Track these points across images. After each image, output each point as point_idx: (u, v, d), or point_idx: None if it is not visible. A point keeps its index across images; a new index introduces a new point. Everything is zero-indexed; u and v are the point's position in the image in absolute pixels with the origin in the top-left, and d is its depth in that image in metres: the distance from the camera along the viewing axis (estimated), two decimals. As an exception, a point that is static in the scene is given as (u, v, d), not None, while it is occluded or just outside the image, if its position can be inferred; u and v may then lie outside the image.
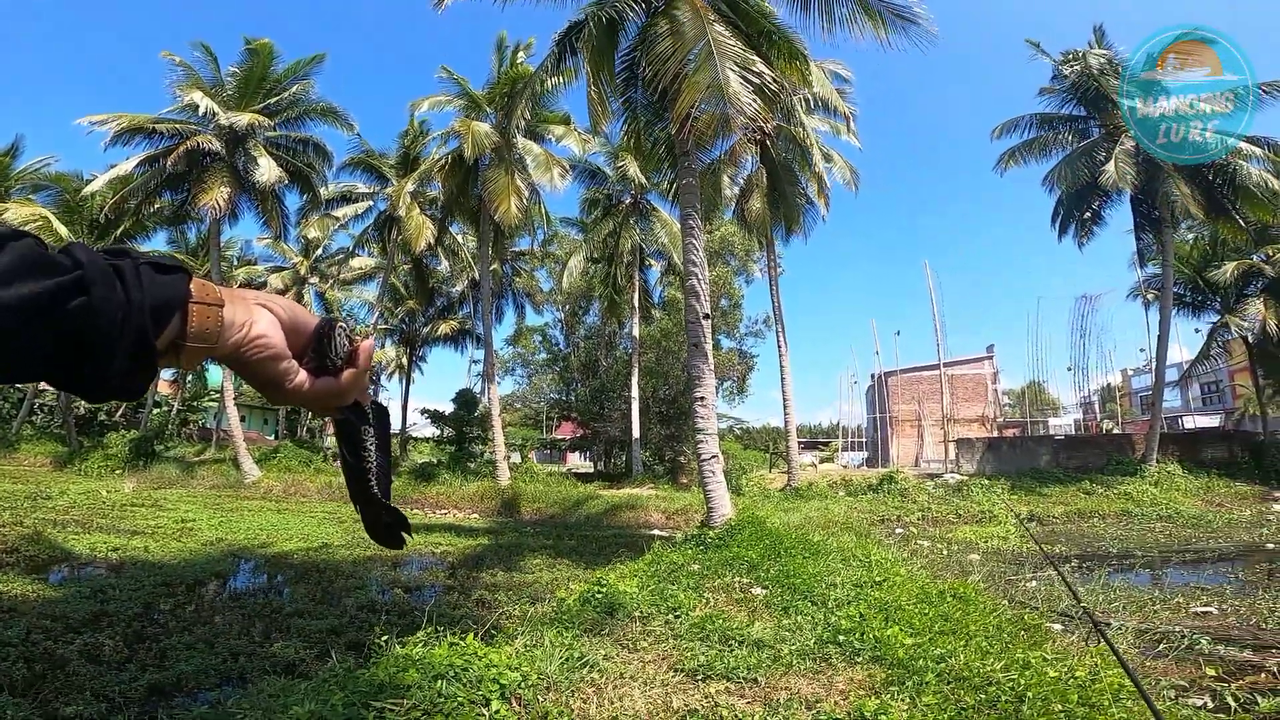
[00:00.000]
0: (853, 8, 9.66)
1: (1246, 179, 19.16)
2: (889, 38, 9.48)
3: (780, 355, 22.28)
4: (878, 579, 6.54)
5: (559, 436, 42.65)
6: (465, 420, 25.01)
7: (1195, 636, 5.52)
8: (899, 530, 14.76)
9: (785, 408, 22.20)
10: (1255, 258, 23.43)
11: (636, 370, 25.34)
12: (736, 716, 3.28)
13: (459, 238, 28.27)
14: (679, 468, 26.17)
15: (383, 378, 39.39)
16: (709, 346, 9.94)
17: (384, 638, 3.95)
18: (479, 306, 26.28)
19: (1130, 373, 47.31)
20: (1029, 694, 3.32)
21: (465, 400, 25.64)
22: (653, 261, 29.20)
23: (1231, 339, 25.97)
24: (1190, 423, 37.10)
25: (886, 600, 5.56)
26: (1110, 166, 19.85)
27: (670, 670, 3.87)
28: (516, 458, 28.04)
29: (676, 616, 5.01)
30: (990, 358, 43.65)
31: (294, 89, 21.78)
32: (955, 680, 3.58)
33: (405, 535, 0.91)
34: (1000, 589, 7.56)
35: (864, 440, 47.24)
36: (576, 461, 43.25)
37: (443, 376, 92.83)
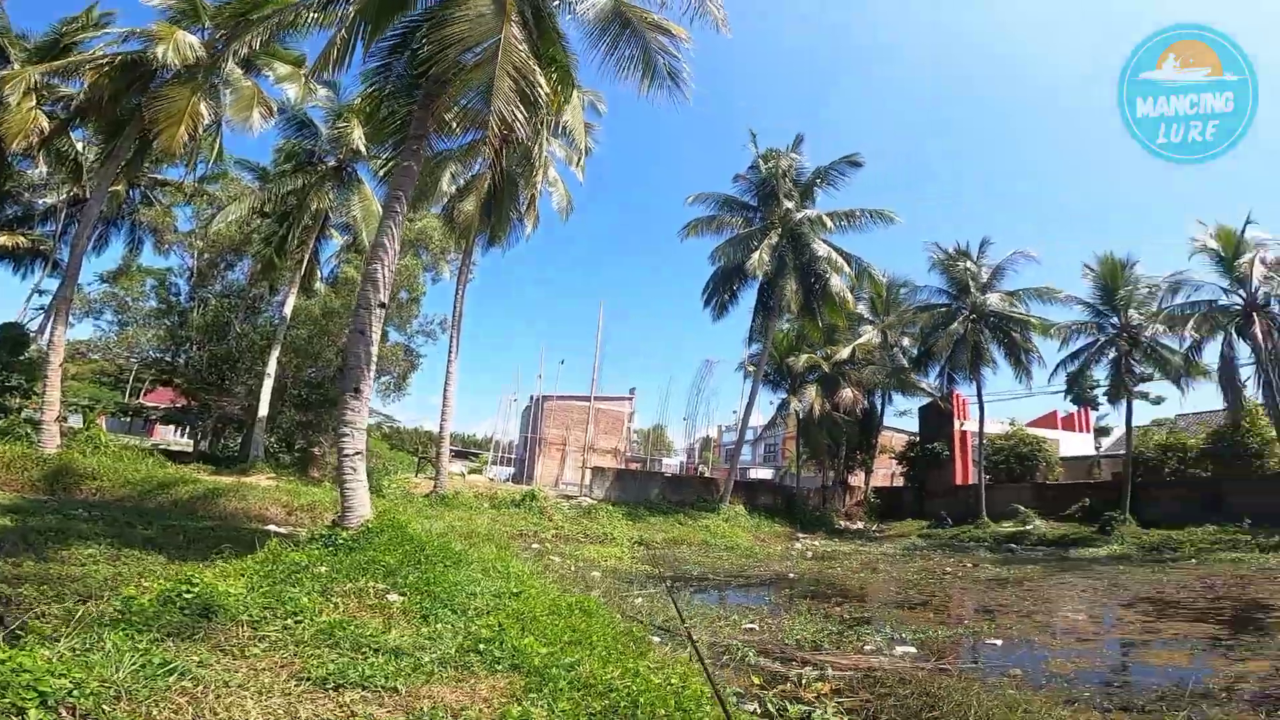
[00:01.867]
0: (636, 53, 10.26)
1: (831, 287, 25.53)
2: (650, 91, 10.32)
3: (449, 360, 21.82)
4: (515, 590, 6.72)
5: (149, 404, 34.13)
6: (3, 363, 18.16)
7: (746, 649, 6.67)
8: (535, 545, 15.48)
9: (444, 413, 21.67)
10: (819, 354, 31.72)
11: (279, 345, 21.89)
12: (376, 727, 2.99)
13: (80, 145, 21.26)
14: (311, 459, 23.20)
15: None
16: (376, 337, 9.18)
17: None
18: (76, 227, 19.79)
19: (723, 429, 59.14)
20: (641, 699, 3.74)
21: (10, 337, 18.68)
22: (335, 233, 26.00)
23: (789, 413, 34.56)
24: (755, 474, 47.91)
25: (523, 611, 5.73)
26: (755, 255, 24.70)
27: (292, 679, 3.42)
28: (77, 420, 21.30)
29: (297, 621, 4.41)
30: (631, 399, 49.95)
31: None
32: (584, 687, 3.83)
33: None
34: (615, 603, 8.46)
35: (514, 456, 48.98)
36: (171, 437, 35.09)
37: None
